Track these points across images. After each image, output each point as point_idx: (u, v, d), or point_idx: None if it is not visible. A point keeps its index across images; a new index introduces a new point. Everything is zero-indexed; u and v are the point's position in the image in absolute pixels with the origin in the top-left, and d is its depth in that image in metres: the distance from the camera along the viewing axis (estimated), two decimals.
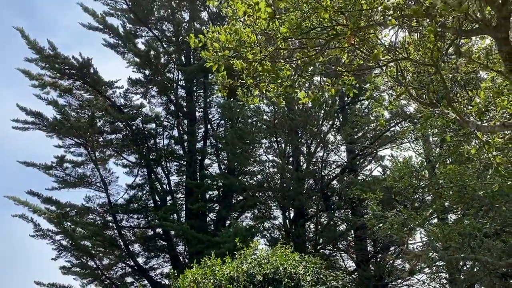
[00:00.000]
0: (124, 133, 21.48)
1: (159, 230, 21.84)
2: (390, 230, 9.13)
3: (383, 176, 14.68)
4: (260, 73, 4.19)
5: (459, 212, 10.78)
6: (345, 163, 17.83)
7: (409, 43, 4.73)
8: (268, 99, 16.49)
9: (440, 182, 8.32)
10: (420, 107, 6.36)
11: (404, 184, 8.61)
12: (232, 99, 16.57)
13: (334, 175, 18.07)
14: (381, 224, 9.62)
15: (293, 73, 4.46)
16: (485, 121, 4.35)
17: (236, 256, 6.99)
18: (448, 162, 8.26)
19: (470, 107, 5.44)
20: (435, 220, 9.92)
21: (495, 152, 4.07)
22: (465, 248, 8.66)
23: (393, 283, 15.33)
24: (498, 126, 3.91)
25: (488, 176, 6.14)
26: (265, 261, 6.86)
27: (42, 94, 19.36)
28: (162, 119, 22.08)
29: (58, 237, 18.57)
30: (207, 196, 21.00)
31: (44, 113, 19.39)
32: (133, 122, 21.18)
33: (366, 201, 12.18)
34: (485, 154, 4.71)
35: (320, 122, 17.40)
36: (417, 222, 8.31)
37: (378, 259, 16.59)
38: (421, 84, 5.36)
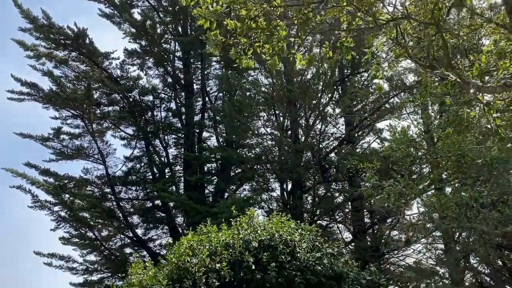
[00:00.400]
0: (121, 105, 21.27)
1: (157, 202, 21.91)
2: (387, 200, 9.10)
3: (381, 148, 14.62)
4: (254, 32, 4.03)
5: (456, 183, 10.76)
6: (343, 135, 17.75)
7: (410, 3, 4.55)
8: (266, 69, 16.31)
9: (438, 151, 8.24)
10: (419, 69, 6.21)
11: (402, 153, 8.53)
12: (230, 71, 16.33)
13: (332, 147, 18.02)
14: (378, 196, 9.59)
15: (290, 32, 4.30)
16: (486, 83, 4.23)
17: (232, 223, 6.97)
18: (447, 132, 8.13)
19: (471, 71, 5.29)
20: (432, 191, 9.90)
21: (495, 114, 3.97)
22: (461, 218, 8.66)
23: (389, 253, 15.50)
24: (500, 86, 3.80)
25: (488, 142, 6.05)
26: (261, 228, 6.85)
27: (37, 65, 19.09)
28: (159, 91, 21.81)
29: (56, 208, 18.64)
30: (205, 169, 21.00)
31: (40, 84, 19.17)
32: (130, 94, 20.95)
33: (363, 172, 12.12)
34: (486, 119, 4.60)
35: (319, 95, 17.22)
36: (414, 192, 8.27)
37: (375, 230, 16.73)
38: (421, 49, 5.20)
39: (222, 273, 5.99)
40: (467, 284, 14.38)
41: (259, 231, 6.73)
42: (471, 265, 14.80)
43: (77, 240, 19.61)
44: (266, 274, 6.21)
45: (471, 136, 7.30)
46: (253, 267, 6.21)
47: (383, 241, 15.40)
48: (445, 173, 10.04)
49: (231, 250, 6.33)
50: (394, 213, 11.15)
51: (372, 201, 9.30)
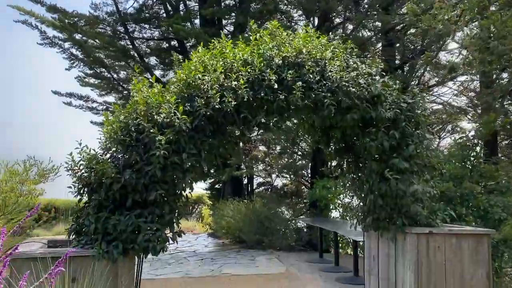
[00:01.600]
0: None
1: (174, 43, 20.84)
2: (434, 20, 7.67)
3: None
4: None
5: None
6: None
7: None
8: None
9: None
10: None
11: None
12: None
13: None
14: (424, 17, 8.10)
15: None
16: None
17: (251, 37, 5.85)
18: None
19: None
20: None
21: None
22: None
23: (422, 91, 14.44)
24: None
25: None
26: (286, 44, 5.74)
27: None
28: None
29: (67, 45, 17.74)
30: (222, 5, 19.16)
31: None
32: None
33: None
34: None
35: None
36: (473, 7, 6.77)
37: (404, 71, 15.47)
38: None
39: (239, 92, 5.09)
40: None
41: (282, 47, 5.64)
42: (505, 107, 13.86)
43: (93, 80, 19.20)
44: (291, 95, 5.31)
45: None
46: (276, 86, 5.28)
47: (415, 79, 14.26)
48: None
49: (249, 67, 5.34)
50: (439, 39, 9.74)
51: (416, 19, 7.85)
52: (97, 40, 18.26)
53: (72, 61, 18.14)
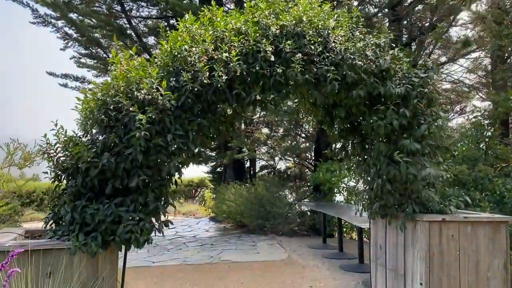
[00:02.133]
0: None
1: (173, 21, 20.18)
2: None
3: None
4: None
5: None
6: None
7: None
8: None
9: None
10: None
11: None
12: None
13: None
14: None
15: None
16: None
17: (246, 4, 5.25)
18: None
19: None
20: None
21: None
22: None
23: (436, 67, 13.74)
24: None
25: None
26: (284, 11, 5.14)
27: None
28: None
29: (60, 23, 17.09)
30: None
31: None
32: None
33: None
34: None
35: None
36: None
37: (414, 46, 14.75)
38: None
39: (231, 65, 4.53)
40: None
41: (280, 15, 5.05)
42: None
43: (90, 61, 18.62)
44: (289, 68, 4.74)
45: None
46: (272, 58, 4.71)
47: (423, 57, 13.55)
48: None
49: (243, 37, 4.76)
50: (451, 12, 9.05)
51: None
52: (93, 19, 17.62)
53: (66, 41, 17.55)
